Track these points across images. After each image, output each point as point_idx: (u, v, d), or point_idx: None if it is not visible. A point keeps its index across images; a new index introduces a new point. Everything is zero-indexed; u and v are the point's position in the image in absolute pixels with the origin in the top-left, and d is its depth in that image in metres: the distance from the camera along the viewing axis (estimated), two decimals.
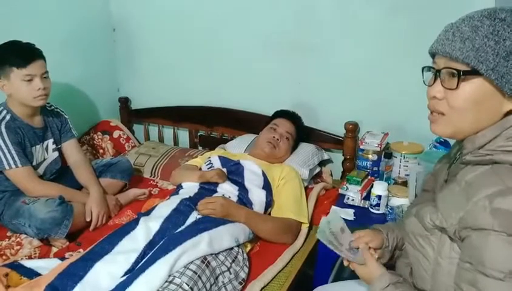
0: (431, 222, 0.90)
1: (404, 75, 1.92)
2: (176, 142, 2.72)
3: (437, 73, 0.87)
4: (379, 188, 1.76)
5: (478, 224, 0.78)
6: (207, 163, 1.97)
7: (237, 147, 2.28)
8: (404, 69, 1.89)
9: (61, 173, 2.02)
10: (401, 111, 2.07)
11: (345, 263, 1.12)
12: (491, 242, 0.76)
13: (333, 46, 2.15)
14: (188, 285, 1.28)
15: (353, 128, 2.15)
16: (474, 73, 0.80)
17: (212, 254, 1.43)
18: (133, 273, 1.33)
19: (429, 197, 0.99)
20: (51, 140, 1.96)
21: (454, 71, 0.82)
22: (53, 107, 2.01)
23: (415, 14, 1.93)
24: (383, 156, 1.98)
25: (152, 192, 2.18)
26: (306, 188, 2.04)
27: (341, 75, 2.17)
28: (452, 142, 1.11)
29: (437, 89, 0.86)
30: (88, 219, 1.83)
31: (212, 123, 2.54)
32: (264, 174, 1.87)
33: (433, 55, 0.89)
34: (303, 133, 2.19)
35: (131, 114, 2.80)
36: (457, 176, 0.89)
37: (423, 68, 0.92)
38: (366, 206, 1.82)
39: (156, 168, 2.39)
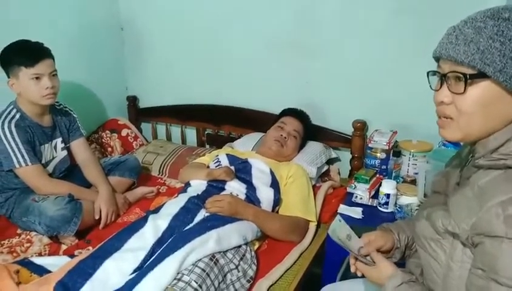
0: (442, 226, 0.88)
1: (412, 73, 1.89)
2: (183, 141, 2.73)
3: (442, 78, 0.85)
4: (388, 186, 1.75)
5: (492, 231, 0.76)
6: (215, 161, 1.98)
7: (245, 145, 2.28)
8: (411, 67, 1.86)
9: (70, 172, 2.04)
10: (409, 110, 2.06)
11: (352, 269, 1.10)
12: (504, 250, 0.75)
13: (340, 46, 2.14)
14: (196, 283, 1.28)
15: (361, 127, 2.14)
16: (481, 76, 0.78)
17: (220, 252, 1.43)
18: (142, 270, 1.34)
19: (441, 200, 0.98)
20: (59, 139, 1.97)
21: (460, 75, 0.80)
22: (61, 106, 2.02)
23: (422, 13, 1.92)
24: (391, 155, 1.97)
25: (160, 190, 2.19)
26: (314, 186, 2.04)
27: (349, 74, 2.16)
28: None
29: (444, 94, 0.84)
30: (97, 217, 1.84)
31: (220, 122, 2.55)
32: (272, 173, 1.87)
33: (437, 59, 0.87)
34: (311, 131, 2.18)
35: (139, 113, 2.81)
36: (469, 180, 0.87)
37: (428, 73, 0.90)
38: (375, 205, 1.81)
39: (164, 167, 2.40)
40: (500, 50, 0.76)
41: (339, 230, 1.06)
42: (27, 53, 1.75)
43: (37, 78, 1.76)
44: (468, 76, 0.79)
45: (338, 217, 1.08)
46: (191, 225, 1.53)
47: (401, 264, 1.12)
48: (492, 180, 0.81)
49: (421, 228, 0.96)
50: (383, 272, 1.01)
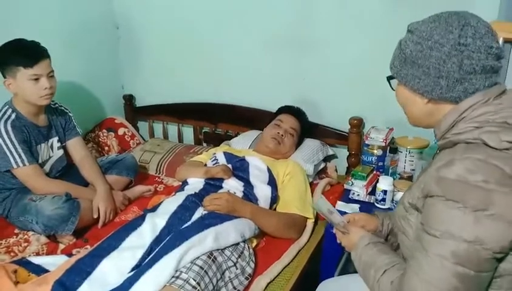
0: (407, 202, 1.02)
1: None
2: (180, 139, 2.73)
3: None
4: (384, 183, 1.75)
5: (429, 192, 0.90)
6: (212, 159, 1.98)
7: (242, 143, 2.28)
8: None
9: (67, 171, 2.03)
10: None
11: (335, 231, 1.25)
12: (435, 205, 0.88)
13: (337, 42, 2.14)
14: (195, 281, 1.29)
15: (358, 124, 2.14)
16: (392, 77, 1.04)
17: (218, 249, 1.44)
18: (140, 268, 1.34)
19: None
20: (55, 139, 1.97)
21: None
22: (57, 105, 2.01)
23: (421, 8, 1.91)
24: (388, 151, 1.98)
25: (158, 189, 2.19)
26: (311, 183, 2.04)
27: (345, 70, 2.16)
28: None
29: None
30: (95, 216, 1.84)
31: (216, 120, 2.55)
32: (269, 170, 1.87)
33: None
34: (308, 129, 2.18)
35: (135, 112, 2.80)
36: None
37: None
38: (372, 201, 1.82)
39: (161, 165, 2.39)
40: (399, 56, 0.99)
41: (321, 205, 1.24)
42: (25, 53, 1.73)
43: (35, 79, 1.75)
44: (388, 78, 1.06)
45: (320, 195, 1.22)
46: (189, 223, 1.53)
47: None
48: (441, 156, 0.94)
49: (397, 211, 1.11)
50: (355, 236, 1.16)
